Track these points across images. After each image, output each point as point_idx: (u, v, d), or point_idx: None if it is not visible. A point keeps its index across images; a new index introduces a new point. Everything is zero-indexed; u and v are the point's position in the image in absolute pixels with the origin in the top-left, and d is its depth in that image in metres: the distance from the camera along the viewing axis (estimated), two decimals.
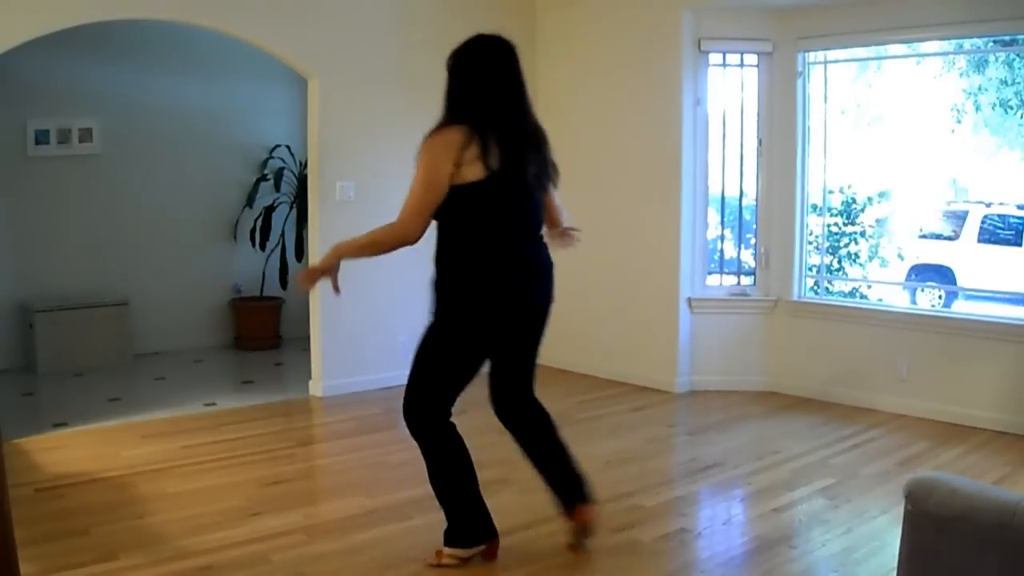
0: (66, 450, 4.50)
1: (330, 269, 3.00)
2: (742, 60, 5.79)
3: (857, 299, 6.31)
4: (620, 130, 6.01)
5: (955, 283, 7.48)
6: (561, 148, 6.62)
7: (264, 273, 7.31)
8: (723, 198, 5.97)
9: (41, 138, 6.40)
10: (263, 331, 7.28)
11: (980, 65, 6.79)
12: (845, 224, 7.18)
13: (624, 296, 6.06)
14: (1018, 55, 6.17)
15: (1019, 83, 6.70)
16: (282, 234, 7.21)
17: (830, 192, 6.33)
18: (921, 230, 7.79)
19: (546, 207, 3.18)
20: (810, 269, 5.85)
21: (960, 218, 7.67)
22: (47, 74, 6.34)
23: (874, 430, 4.94)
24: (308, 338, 5.80)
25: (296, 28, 5.41)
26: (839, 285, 6.39)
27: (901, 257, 7.59)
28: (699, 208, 5.83)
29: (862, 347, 5.46)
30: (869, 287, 6.74)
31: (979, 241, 7.52)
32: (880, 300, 6.41)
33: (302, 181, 6.96)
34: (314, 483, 4.25)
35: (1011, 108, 6.77)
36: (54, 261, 6.52)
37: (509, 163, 2.86)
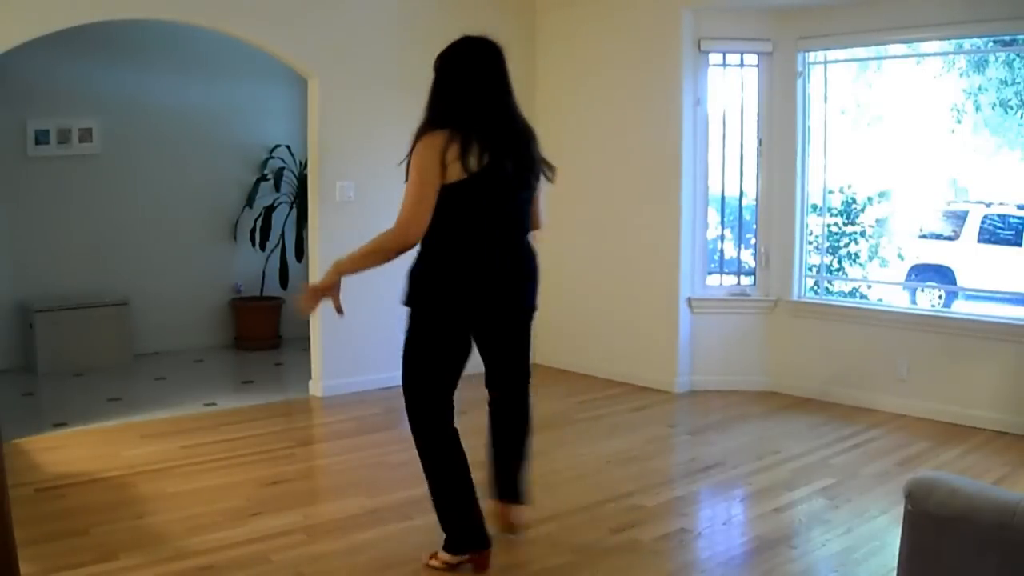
0: (66, 450, 4.50)
1: (331, 287, 2.99)
2: (742, 60, 5.79)
3: (857, 299, 6.31)
4: (620, 130, 6.01)
5: (955, 283, 7.49)
6: (561, 148, 6.64)
7: (264, 273, 7.31)
8: (723, 198, 5.97)
9: (41, 138, 6.40)
10: (263, 331, 7.28)
11: (980, 65, 6.79)
12: (845, 224, 7.18)
13: (624, 296, 6.06)
14: (1018, 55, 6.17)
15: (1019, 83, 6.70)
16: (282, 234, 7.21)
17: (830, 192, 6.33)
18: (921, 230, 7.79)
19: (531, 208, 3.18)
20: (810, 269, 5.85)
21: (960, 218, 7.67)
22: (47, 74, 6.34)
23: (874, 430, 4.94)
24: (308, 338, 5.80)
25: (296, 28, 5.41)
26: (839, 285, 6.39)
27: (901, 257, 7.60)
28: (699, 208, 5.83)
29: (862, 347, 5.46)
30: (869, 287, 6.74)
31: (979, 241, 7.52)
32: (880, 300, 6.41)
33: (302, 181, 6.96)
34: (314, 483, 4.25)
35: (1011, 108, 6.77)
36: (54, 261, 6.52)
37: (490, 164, 2.89)
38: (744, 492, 4.05)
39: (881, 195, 7.28)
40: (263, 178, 7.27)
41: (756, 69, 5.77)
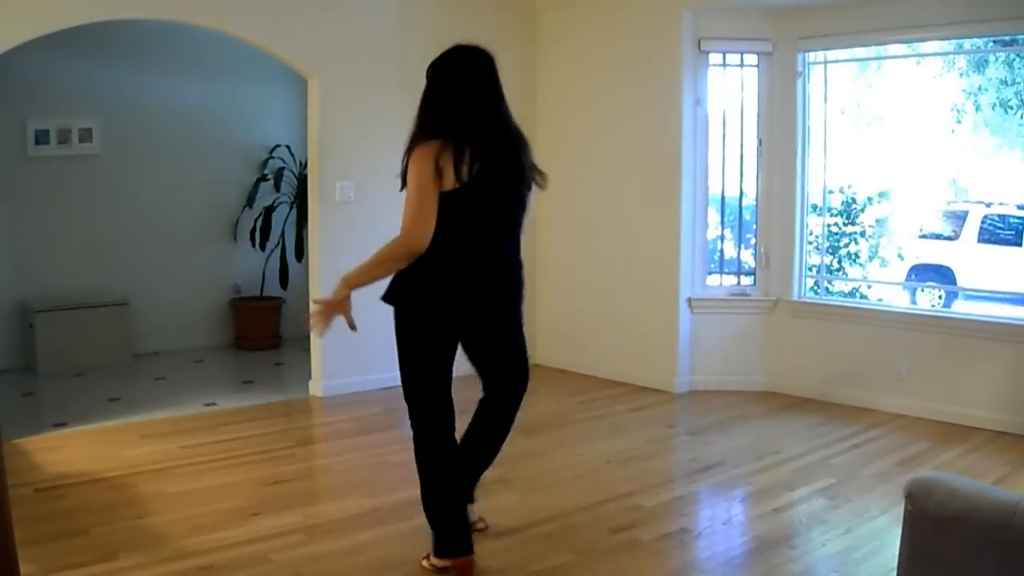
0: (66, 450, 4.50)
1: (342, 303, 2.98)
2: (742, 60, 5.79)
3: (857, 299, 6.31)
4: (620, 130, 6.01)
5: (955, 283, 7.48)
6: (561, 148, 6.65)
7: (264, 273, 7.31)
8: (723, 198, 5.97)
9: (41, 138, 6.40)
10: (263, 331, 7.28)
11: (980, 65, 6.79)
12: (845, 224, 7.18)
13: (624, 296, 6.06)
14: (1018, 55, 6.17)
15: (1019, 83, 6.70)
16: (282, 234, 7.21)
17: (830, 192, 6.33)
18: (921, 230, 7.79)
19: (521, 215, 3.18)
20: (810, 269, 5.85)
21: (960, 218, 7.67)
22: (47, 74, 6.34)
23: (874, 430, 4.94)
24: (308, 338, 5.80)
25: (296, 28, 5.41)
26: (839, 285, 6.39)
27: (901, 257, 7.59)
28: (699, 208, 5.83)
29: (862, 347, 5.46)
30: (869, 287, 6.74)
31: (979, 241, 7.51)
32: (880, 300, 6.41)
33: (302, 181, 6.96)
34: (314, 483, 4.25)
35: (1011, 108, 6.77)
36: (54, 261, 6.52)
37: (481, 172, 2.91)
38: (744, 492, 4.05)
39: (881, 195, 7.27)
40: (263, 178, 7.27)
41: (756, 69, 5.77)
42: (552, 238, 6.48)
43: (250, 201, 7.23)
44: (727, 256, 6.11)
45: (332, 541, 3.40)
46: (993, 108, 6.87)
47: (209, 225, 7.25)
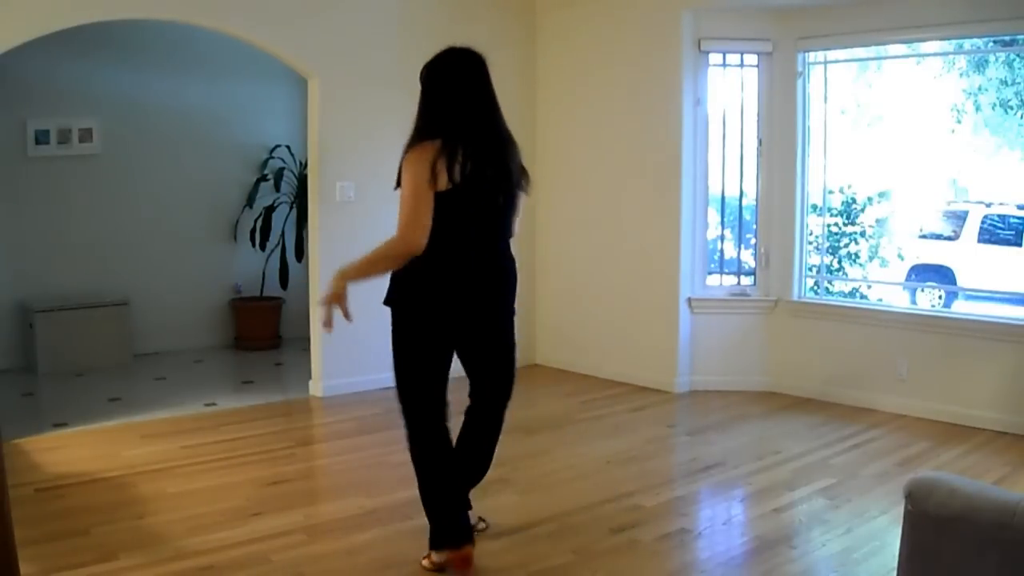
0: (66, 450, 4.50)
1: (340, 296, 3.00)
2: (742, 60, 5.79)
3: (857, 299, 6.31)
4: (620, 130, 6.01)
5: (955, 283, 7.48)
6: (561, 148, 6.65)
7: (264, 273, 7.31)
8: (723, 198, 5.96)
9: (41, 138, 6.40)
10: (263, 331, 7.28)
11: (980, 65, 6.79)
12: (845, 224, 7.17)
13: (624, 296, 6.06)
14: (1018, 55, 6.17)
15: (1019, 83, 6.70)
16: (282, 234, 7.21)
17: (830, 192, 6.33)
18: (921, 230, 7.79)
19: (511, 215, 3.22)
20: (810, 269, 5.85)
21: (960, 218, 7.67)
22: (47, 74, 6.34)
23: (874, 430, 4.94)
24: (308, 338, 5.80)
25: (296, 28, 5.41)
26: (839, 285, 6.39)
27: (901, 257, 7.59)
28: (699, 208, 5.83)
29: (862, 347, 5.46)
30: (869, 287, 6.74)
31: (979, 241, 7.51)
32: (880, 300, 6.41)
33: (302, 181, 6.96)
34: (314, 483, 4.25)
35: (1011, 108, 6.77)
36: (54, 261, 6.52)
37: (473, 173, 2.97)
38: (744, 492, 4.05)
39: (881, 195, 7.27)
40: (263, 178, 7.27)
41: (756, 69, 5.77)
42: (552, 238, 6.48)
43: (250, 201, 7.23)
44: (727, 256, 6.11)
45: (332, 541, 3.40)
46: (993, 108, 6.87)
47: (209, 225, 7.25)
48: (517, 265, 3.25)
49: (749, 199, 5.91)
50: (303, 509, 3.73)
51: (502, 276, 3.19)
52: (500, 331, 3.24)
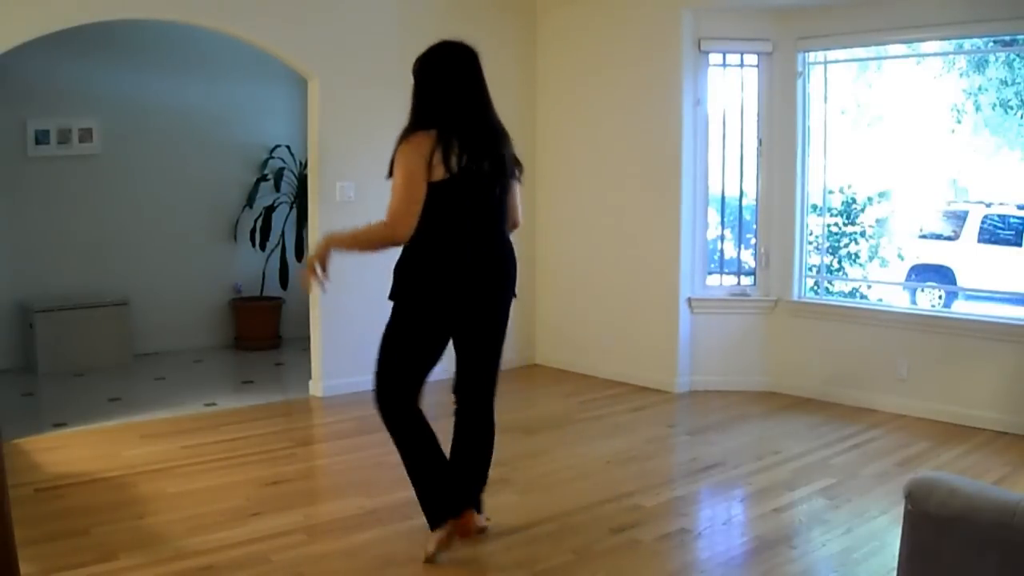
0: (66, 450, 4.50)
1: (323, 257, 3.11)
2: (742, 60, 5.79)
3: (857, 299, 6.31)
4: (620, 130, 6.01)
5: (955, 283, 7.49)
6: (561, 148, 6.65)
7: (264, 273, 7.31)
8: (723, 198, 5.96)
9: (41, 138, 6.40)
10: (263, 331, 7.28)
11: (980, 65, 6.79)
12: (845, 224, 7.18)
13: (624, 296, 6.06)
14: (1018, 55, 6.17)
15: (1019, 83, 6.70)
16: (282, 234, 7.21)
17: (830, 192, 6.33)
18: (921, 230, 7.79)
19: (508, 205, 3.27)
20: (810, 269, 5.85)
21: (960, 218, 7.67)
22: (47, 74, 6.34)
23: (874, 430, 4.94)
24: (308, 338, 5.80)
25: (296, 28, 5.41)
26: (839, 285, 6.39)
27: (901, 257, 7.60)
28: (699, 208, 5.83)
29: (862, 347, 5.46)
30: (869, 287, 6.74)
31: (979, 241, 7.52)
32: (880, 300, 6.41)
33: (302, 181, 6.96)
34: (314, 483, 4.25)
35: (1011, 108, 6.77)
36: (54, 261, 6.52)
37: (470, 164, 3.02)
38: (744, 492, 4.04)
39: (881, 195, 7.28)
40: (263, 178, 7.27)
41: (756, 69, 5.77)
42: (552, 238, 6.48)
43: (250, 201, 7.23)
44: (727, 256, 6.11)
45: (332, 541, 3.40)
46: (993, 108, 6.88)
47: (209, 225, 7.25)
48: (516, 253, 3.30)
49: (749, 199, 5.91)
50: (303, 509, 3.73)
51: (501, 266, 3.23)
52: (497, 322, 3.29)
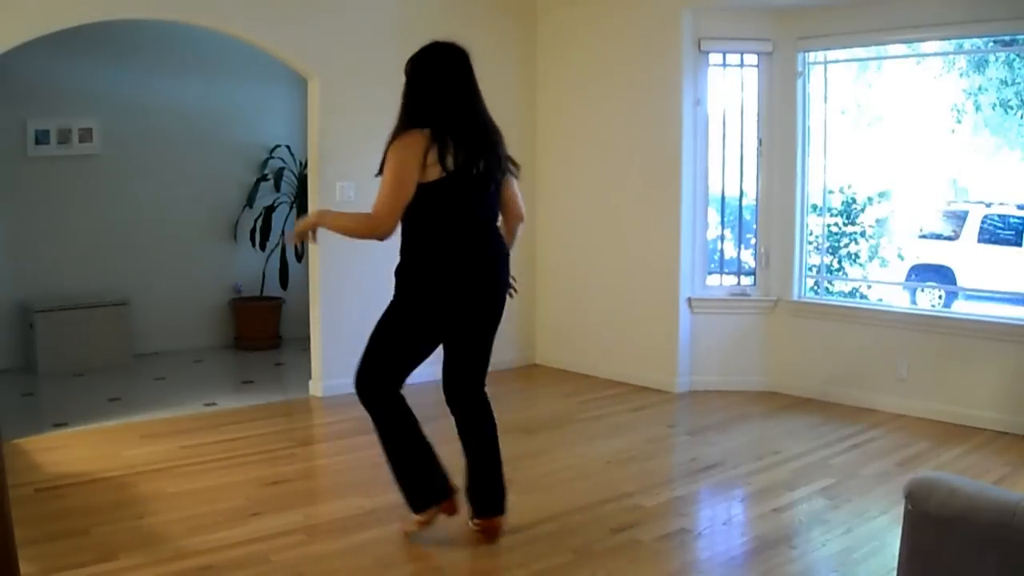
0: (66, 450, 4.50)
1: (312, 229, 3.29)
2: (742, 60, 5.79)
3: (857, 299, 6.31)
4: (620, 130, 6.01)
5: (955, 283, 7.49)
6: (561, 148, 6.65)
7: (264, 273, 7.31)
8: (723, 198, 5.96)
9: (41, 138, 6.40)
10: (263, 331, 7.28)
11: (980, 65, 6.79)
12: (845, 224, 7.18)
13: (624, 296, 6.06)
14: (1018, 55, 6.17)
15: (1019, 83, 6.70)
16: (282, 234, 7.21)
17: (830, 192, 6.33)
18: (921, 230, 7.79)
19: (505, 198, 3.32)
20: (810, 269, 5.85)
21: (960, 218, 7.67)
22: (47, 74, 6.34)
23: (874, 430, 4.94)
24: (308, 338, 5.80)
25: (296, 28, 5.41)
26: (839, 285, 6.39)
27: (901, 257, 7.60)
28: (699, 208, 5.83)
29: (862, 347, 5.46)
30: (869, 287, 6.74)
31: (979, 241, 7.52)
32: (880, 300, 6.41)
33: (302, 181, 6.96)
34: (314, 483, 4.25)
35: (1011, 108, 6.77)
36: (54, 261, 6.52)
37: (463, 163, 3.06)
38: (744, 492, 4.04)
39: (881, 195, 7.28)
40: (263, 178, 7.27)
41: (756, 69, 5.77)
42: (552, 238, 6.48)
43: (250, 201, 7.23)
44: (727, 256, 6.11)
45: (332, 541, 3.40)
46: (993, 108, 6.88)
47: (209, 225, 7.25)
48: (511, 255, 3.36)
49: (749, 199, 5.91)
50: (303, 509, 3.73)
51: (495, 264, 3.26)
52: (492, 321, 3.31)
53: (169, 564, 3.13)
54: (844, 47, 5.59)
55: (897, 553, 2.02)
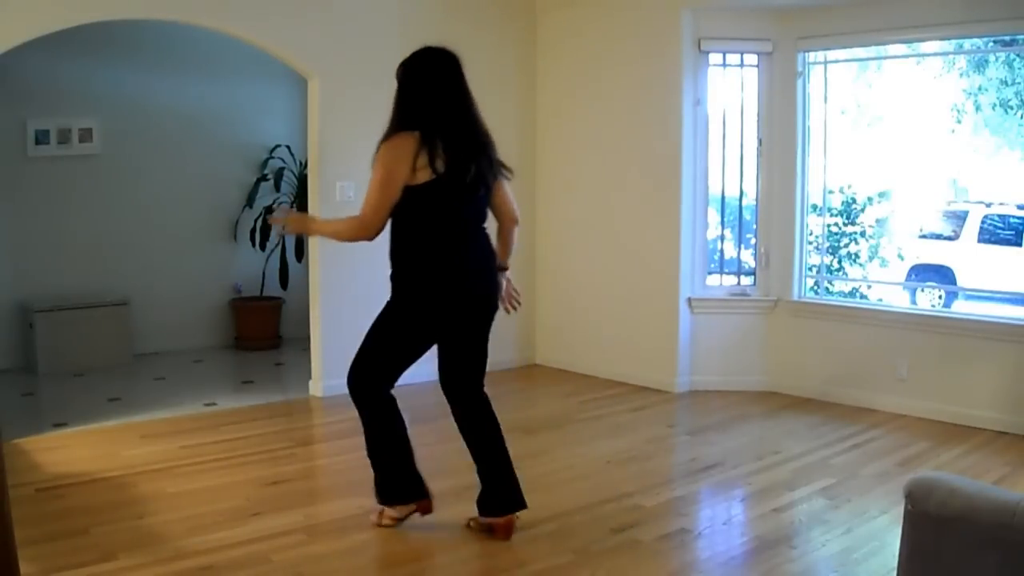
0: (66, 450, 4.50)
1: (293, 232, 3.63)
2: (742, 60, 5.79)
3: (857, 299, 6.31)
4: (620, 130, 6.01)
5: (955, 283, 7.49)
6: (561, 148, 6.65)
7: (264, 273, 7.31)
8: (723, 198, 5.96)
9: (41, 138, 6.40)
10: (263, 331, 7.28)
11: (980, 65, 6.79)
12: (845, 224, 7.18)
13: (624, 296, 6.05)
14: (1018, 55, 6.17)
15: (1019, 83, 6.70)
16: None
17: (830, 192, 6.33)
18: (921, 230, 7.79)
19: (497, 202, 3.35)
20: (810, 269, 5.85)
21: (960, 218, 7.67)
22: (47, 74, 6.34)
23: (874, 430, 4.94)
24: (308, 338, 5.80)
25: (296, 28, 5.41)
26: (839, 285, 6.39)
27: (901, 257, 7.60)
28: (699, 208, 5.83)
29: (862, 347, 5.46)
30: (869, 287, 6.74)
31: (979, 241, 7.52)
32: (880, 300, 6.41)
33: (302, 181, 6.96)
34: (314, 483, 4.25)
35: (1011, 108, 6.77)
36: (54, 261, 6.52)
37: (454, 166, 3.09)
38: (744, 492, 4.05)
39: (881, 195, 7.28)
40: (263, 178, 7.27)
41: (756, 69, 5.77)
42: (552, 238, 6.48)
43: (250, 201, 7.23)
44: (727, 256, 6.11)
45: (332, 541, 3.40)
46: (993, 108, 6.88)
47: (209, 225, 7.25)
48: (512, 261, 3.43)
49: (749, 199, 5.91)
50: (303, 509, 3.73)
51: (486, 266, 3.29)
52: (485, 322, 3.34)
53: (169, 564, 3.13)
54: (844, 47, 5.59)
55: (897, 553, 2.02)
